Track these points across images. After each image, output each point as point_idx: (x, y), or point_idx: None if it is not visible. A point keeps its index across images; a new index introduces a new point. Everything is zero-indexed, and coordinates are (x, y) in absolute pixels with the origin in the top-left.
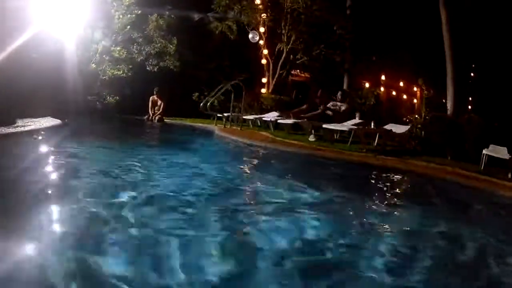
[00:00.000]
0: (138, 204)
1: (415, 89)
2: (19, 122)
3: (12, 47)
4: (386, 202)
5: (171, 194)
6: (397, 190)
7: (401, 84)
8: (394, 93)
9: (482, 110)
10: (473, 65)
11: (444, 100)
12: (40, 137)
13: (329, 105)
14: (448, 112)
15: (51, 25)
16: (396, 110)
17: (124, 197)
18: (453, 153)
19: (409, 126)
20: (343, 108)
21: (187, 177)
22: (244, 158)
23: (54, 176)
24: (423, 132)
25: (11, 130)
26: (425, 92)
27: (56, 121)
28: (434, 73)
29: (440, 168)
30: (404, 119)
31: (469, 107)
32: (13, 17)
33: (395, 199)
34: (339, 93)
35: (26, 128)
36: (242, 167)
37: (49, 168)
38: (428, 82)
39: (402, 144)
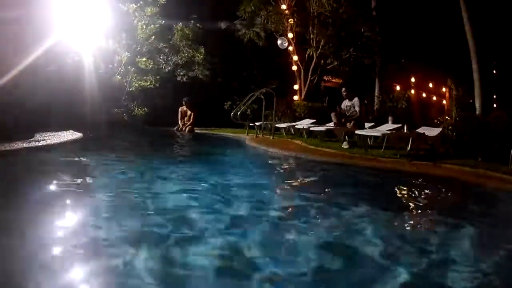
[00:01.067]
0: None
1: (443, 89)
2: (38, 137)
3: (30, 59)
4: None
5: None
6: (442, 203)
7: (430, 85)
8: (424, 95)
9: (506, 107)
10: (494, 62)
11: (471, 100)
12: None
13: (342, 109)
14: (477, 112)
15: (71, 37)
16: (426, 112)
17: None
18: (483, 153)
19: (440, 129)
20: (357, 109)
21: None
22: (275, 172)
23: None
24: (454, 133)
25: (23, 145)
26: (454, 92)
27: (77, 135)
28: (462, 72)
29: (473, 172)
30: (435, 121)
31: (494, 105)
32: (31, 29)
33: (445, 215)
34: (343, 89)
35: (41, 143)
36: (274, 183)
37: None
38: (457, 82)
39: (435, 148)
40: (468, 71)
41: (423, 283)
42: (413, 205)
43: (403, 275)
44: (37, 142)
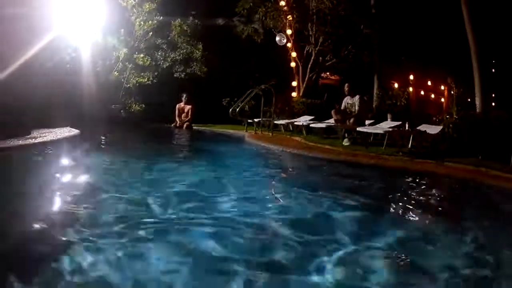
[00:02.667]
0: None
1: (442, 87)
2: (34, 133)
3: (26, 55)
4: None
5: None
6: (451, 202)
7: (429, 83)
8: (422, 92)
9: (504, 105)
10: (493, 61)
11: (469, 99)
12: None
13: (342, 107)
14: (477, 110)
15: (68, 33)
16: (424, 110)
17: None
18: (484, 152)
19: (441, 127)
20: (357, 107)
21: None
22: (277, 169)
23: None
24: (454, 132)
25: (19, 142)
26: (455, 90)
27: (74, 131)
28: (462, 70)
29: (475, 170)
30: (434, 119)
31: (493, 103)
32: (27, 25)
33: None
34: (346, 85)
35: (38, 140)
36: (275, 181)
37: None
38: (456, 80)
39: (435, 145)
40: (468, 70)
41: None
42: (423, 204)
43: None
44: (33, 139)
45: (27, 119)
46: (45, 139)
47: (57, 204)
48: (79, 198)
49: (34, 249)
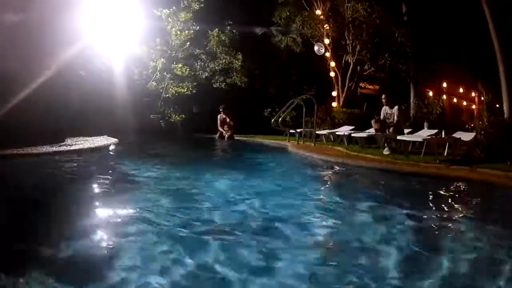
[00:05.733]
0: None
1: (473, 94)
2: (68, 141)
3: (61, 63)
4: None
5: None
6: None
7: (461, 90)
8: (455, 99)
9: None
10: None
11: (497, 105)
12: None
13: (381, 117)
14: (505, 115)
15: (104, 42)
16: (458, 117)
17: None
18: None
19: (474, 133)
20: (395, 117)
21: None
22: (325, 178)
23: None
24: (485, 138)
25: (52, 149)
26: (485, 96)
27: (112, 140)
28: (491, 76)
29: (504, 175)
30: (467, 126)
31: None
32: (64, 33)
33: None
34: (383, 96)
35: (72, 147)
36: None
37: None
38: (486, 86)
39: (469, 152)
40: (496, 75)
41: None
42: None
43: None
44: (68, 146)
45: (62, 126)
46: (78, 147)
47: None
48: None
49: None
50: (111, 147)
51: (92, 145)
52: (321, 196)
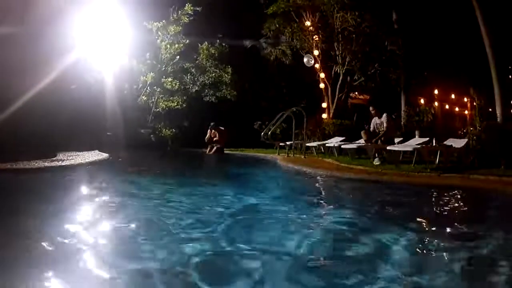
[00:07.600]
0: None
1: (465, 99)
2: (60, 156)
3: (52, 77)
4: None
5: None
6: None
7: (452, 96)
8: (447, 106)
9: None
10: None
11: (490, 109)
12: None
13: (372, 128)
14: (498, 120)
15: (92, 55)
16: (450, 123)
17: None
18: (506, 161)
19: (466, 140)
20: (385, 124)
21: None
22: (314, 192)
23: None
24: (478, 144)
25: (44, 164)
26: (477, 101)
27: (103, 155)
28: (483, 80)
29: (498, 181)
30: (459, 132)
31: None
32: (53, 47)
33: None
34: (370, 108)
35: (65, 163)
36: (316, 202)
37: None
38: (478, 91)
39: (460, 159)
40: (489, 80)
41: None
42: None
43: None
44: (60, 162)
45: (53, 141)
46: (72, 162)
47: None
48: None
49: None
50: (101, 164)
51: (83, 161)
52: (304, 215)
